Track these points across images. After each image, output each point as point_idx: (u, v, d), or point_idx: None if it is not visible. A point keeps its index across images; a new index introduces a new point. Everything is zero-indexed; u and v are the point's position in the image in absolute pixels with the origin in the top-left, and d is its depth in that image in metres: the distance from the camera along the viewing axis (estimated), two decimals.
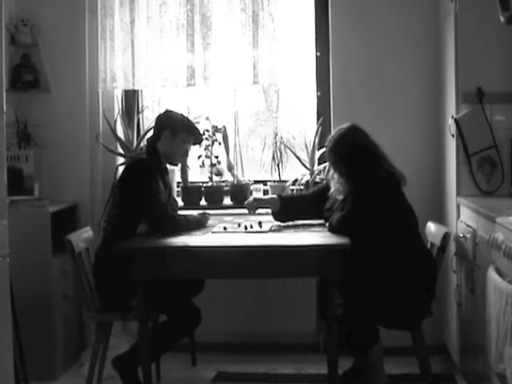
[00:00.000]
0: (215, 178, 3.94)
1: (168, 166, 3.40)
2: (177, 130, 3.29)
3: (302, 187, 3.82)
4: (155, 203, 3.11)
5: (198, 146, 3.59)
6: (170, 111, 3.40)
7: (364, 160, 3.06)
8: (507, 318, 2.19)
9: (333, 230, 3.04)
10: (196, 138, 3.40)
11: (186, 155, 3.53)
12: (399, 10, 3.76)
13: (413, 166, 3.63)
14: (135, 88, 3.92)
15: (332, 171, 3.18)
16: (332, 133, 3.22)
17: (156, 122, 3.37)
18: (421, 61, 3.78)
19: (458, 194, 3.29)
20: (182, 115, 3.40)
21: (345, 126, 3.15)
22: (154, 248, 2.95)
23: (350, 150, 3.07)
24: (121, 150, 3.92)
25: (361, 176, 3.02)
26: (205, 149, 3.89)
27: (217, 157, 3.91)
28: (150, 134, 3.43)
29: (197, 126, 3.46)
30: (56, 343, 3.54)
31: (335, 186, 3.15)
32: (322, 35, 3.92)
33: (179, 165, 3.71)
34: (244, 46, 3.81)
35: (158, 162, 3.29)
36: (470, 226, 3.03)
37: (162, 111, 3.46)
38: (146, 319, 2.98)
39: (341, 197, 3.11)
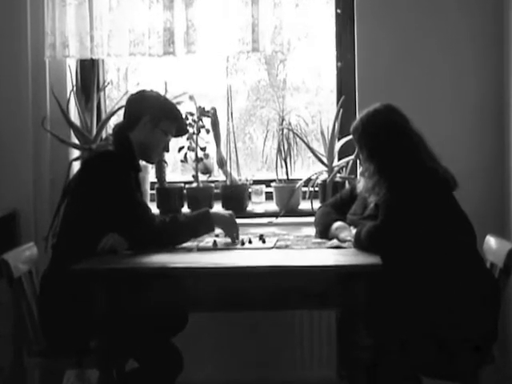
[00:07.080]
0: (202, 178, 3.95)
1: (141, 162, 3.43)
2: (159, 118, 3.31)
3: (317, 189, 3.81)
4: (137, 209, 3.15)
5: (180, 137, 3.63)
6: (147, 91, 3.42)
7: (402, 149, 3.06)
8: None
9: (360, 244, 3.03)
10: (180, 127, 3.43)
11: (167, 150, 3.52)
12: None
13: (466, 164, 3.64)
14: (94, 57, 3.92)
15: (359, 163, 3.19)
16: (360, 113, 3.23)
17: (129, 106, 3.38)
18: (478, 27, 3.80)
19: None
20: (164, 98, 3.44)
21: (378, 104, 3.17)
22: (123, 270, 2.92)
23: (383, 133, 3.09)
24: (75, 140, 3.92)
25: (397, 172, 3.03)
26: (188, 138, 3.89)
27: (204, 149, 3.92)
28: (120, 120, 3.45)
29: (180, 111, 3.47)
30: None
31: (363, 182, 3.17)
32: None
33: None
34: (240, 0, 3.80)
35: (132, 156, 3.30)
36: None
37: (135, 92, 3.46)
38: (109, 366, 2.97)
39: (371, 198, 3.11)
